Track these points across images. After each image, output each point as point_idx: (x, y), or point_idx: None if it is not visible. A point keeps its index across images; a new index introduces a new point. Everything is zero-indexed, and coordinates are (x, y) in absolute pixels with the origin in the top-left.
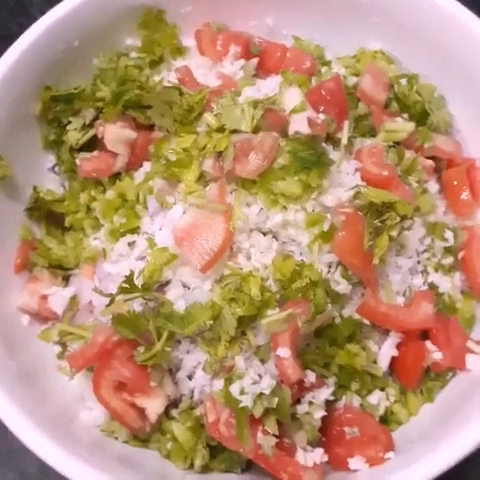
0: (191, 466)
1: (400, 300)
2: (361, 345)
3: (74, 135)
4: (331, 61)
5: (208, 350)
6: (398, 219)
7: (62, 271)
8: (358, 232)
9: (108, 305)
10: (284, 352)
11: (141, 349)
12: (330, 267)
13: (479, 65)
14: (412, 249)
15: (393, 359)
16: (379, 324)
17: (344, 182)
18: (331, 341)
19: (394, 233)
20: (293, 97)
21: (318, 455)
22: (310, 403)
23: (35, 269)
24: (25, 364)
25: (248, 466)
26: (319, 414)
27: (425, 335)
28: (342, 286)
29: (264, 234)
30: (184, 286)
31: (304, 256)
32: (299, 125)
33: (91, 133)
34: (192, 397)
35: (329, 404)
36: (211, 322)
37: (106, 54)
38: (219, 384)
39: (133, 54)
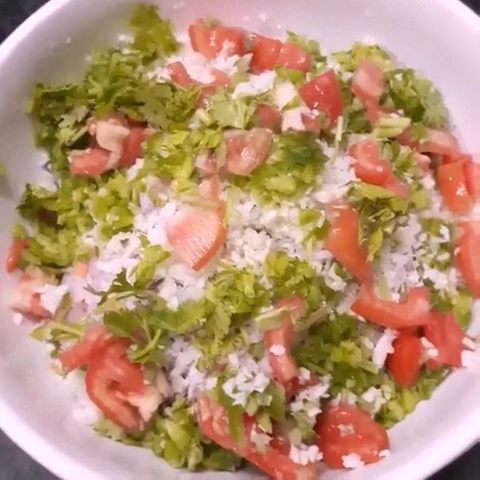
0: (185, 465)
1: (395, 297)
2: (356, 342)
3: (66, 132)
4: (326, 57)
5: (202, 348)
6: (393, 215)
7: (55, 269)
8: (352, 229)
9: (100, 303)
10: (278, 350)
11: (134, 347)
12: (324, 264)
13: (475, 59)
14: (407, 245)
15: (388, 356)
16: (374, 321)
17: (338, 178)
18: (326, 338)
19: (389, 229)
20: (286, 93)
21: (312, 453)
22: (304, 401)
23: (28, 267)
24: (17, 363)
25: (242, 464)
26: (314, 412)
27: (421, 332)
28: (336, 283)
29: (258, 231)
30: (177, 284)
31: (298, 253)
32: (292, 121)
33: (83, 130)
34: (186, 395)
35: (324, 402)
36: (204, 320)
37: (98, 51)
38: (212, 382)
39: (126, 51)
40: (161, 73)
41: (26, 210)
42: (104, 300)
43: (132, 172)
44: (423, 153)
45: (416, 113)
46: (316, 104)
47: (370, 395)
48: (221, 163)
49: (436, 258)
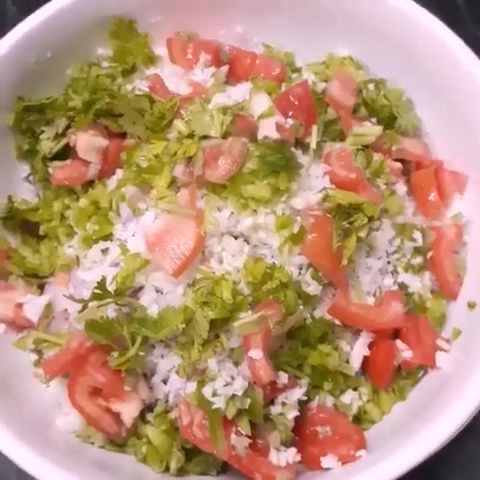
0: (167, 469)
1: (371, 300)
2: (333, 345)
3: (47, 144)
4: (301, 68)
5: (182, 354)
6: (366, 220)
7: (37, 279)
8: (327, 234)
9: (81, 311)
10: (256, 354)
11: (115, 354)
12: (301, 269)
13: (445, 68)
14: (381, 250)
15: (365, 358)
16: (350, 324)
17: (313, 185)
18: (303, 342)
19: (362, 234)
20: (261, 103)
21: (291, 455)
22: (283, 404)
23: (10, 278)
24: (1, 372)
25: (223, 469)
26: (292, 414)
27: (396, 334)
28: (313, 287)
29: (235, 238)
30: (157, 291)
31: (275, 259)
32: (268, 130)
33: (64, 142)
34: (167, 401)
35: (302, 404)
36: (184, 326)
37: (78, 64)
38: (192, 387)
39: (105, 64)
40: (140, 85)
41: (8, 221)
42: (85, 308)
43: (112, 182)
44: (396, 160)
45: (389, 121)
46: (291, 113)
47: (347, 397)
48: (198, 172)
49: (410, 262)
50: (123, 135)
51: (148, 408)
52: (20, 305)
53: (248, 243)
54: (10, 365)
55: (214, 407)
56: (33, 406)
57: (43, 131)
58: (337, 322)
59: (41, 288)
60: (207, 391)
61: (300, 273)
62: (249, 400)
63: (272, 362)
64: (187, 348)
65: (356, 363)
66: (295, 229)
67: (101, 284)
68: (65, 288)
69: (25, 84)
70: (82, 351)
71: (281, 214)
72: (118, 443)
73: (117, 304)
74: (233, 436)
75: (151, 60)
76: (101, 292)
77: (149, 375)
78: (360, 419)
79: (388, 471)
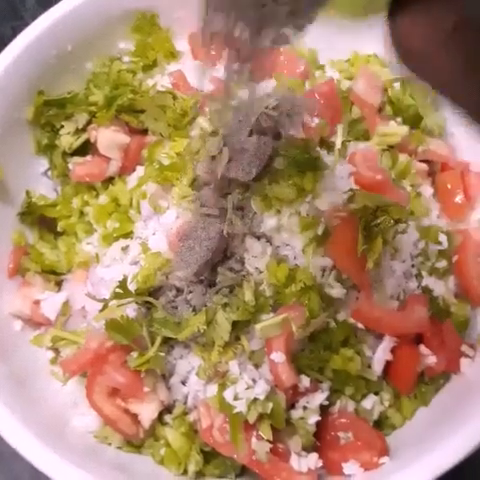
0: (185, 472)
1: (394, 304)
2: (355, 349)
3: (67, 139)
4: (324, 65)
5: (202, 355)
6: (392, 223)
7: (54, 276)
8: (352, 236)
9: (101, 310)
10: (278, 357)
11: (134, 354)
12: (324, 271)
13: None
14: (406, 253)
15: (387, 363)
16: (373, 328)
17: (338, 186)
18: (325, 346)
19: (388, 237)
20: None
21: (312, 460)
22: (304, 408)
23: (27, 274)
24: (17, 369)
25: (242, 472)
26: (313, 419)
27: (419, 339)
28: (336, 290)
29: (258, 238)
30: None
31: (298, 260)
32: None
33: (84, 137)
34: (186, 403)
35: (323, 409)
36: (205, 327)
37: (99, 58)
38: (213, 389)
39: (126, 58)
40: (161, 81)
41: (26, 217)
42: (105, 307)
43: (132, 179)
44: (421, 161)
45: (414, 121)
46: (316, 112)
47: (369, 402)
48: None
49: (434, 265)
50: (144, 132)
51: (166, 409)
52: (37, 302)
53: (271, 244)
54: (27, 362)
55: (235, 411)
56: (49, 405)
57: (63, 126)
58: (360, 326)
59: (58, 285)
60: (228, 394)
61: (323, 275)
62: (271, 404)
63: (293, 365)
64: (207, 349)
65: (378, 368)
66: (319, 230)
67: (122, 283)
68: (83, 285)
69: (45, 78)
70: (102, 351)
71: (305, 215)
72: (135, 444)
73: (137, 304)
74: (254, 440)
75: (173, 55)
76: (122, 291)
77: (167, 376)
78: (381, 424)
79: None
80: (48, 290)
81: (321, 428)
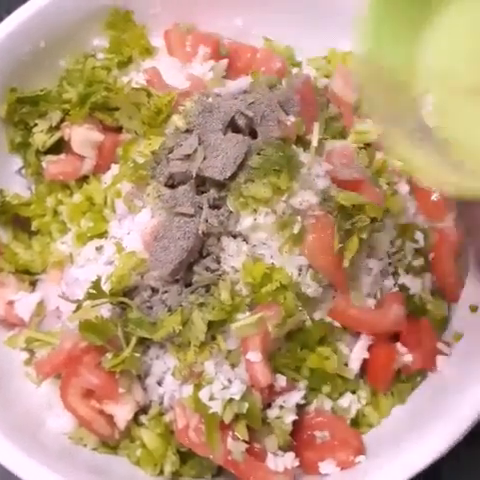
0: (161, 472)
1: (371, 302)
2: (332, 348)
3: (40, 137)
4: (301, 62)
5: (177, 355)
6: (368, 221)
7: (29, 276)
8: (328, 235)
9: (75, 311)
10: (254, 356)
11: (109, 355)
12: (300, 270)
13: None
14: (383, 251)
15: (364, 361)
16: (350, 327)
17: (314, 184)
18: (302, 344)
19: (364, 235)
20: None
21: (289, 459)
22: (281, 407)
23: (1, 274)
24: None
25: (218, 472)
26: (290, 418)
27: (396, 337)
28: (313, 289)
29: (234, 237)
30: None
31: (274, 259)
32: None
33: (58, 135)
34: (162, 403)
35: (300, 408)
36: (180, 327)
37: (73, 55)
38: (188, 390)
39: (100, 55)
40: (136, 77)
41: (0, 216)
42: (79, 308)
43: (107, 178)
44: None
45: None
46: (292, 109)
47: (346, 400)
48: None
49: (411, 263)
50: (119, 130)
51: (142, 410)
52: (11, 302)
53: (247, 243)
54: (1, 364)
55: (211, 411)
56: (23, 406)
57: (36, 124)
58: (337, 324)
59: (33, 285)
60: (204, 395)
61: (300, 274)
62: (247, 404)
63: (270, 364)
64: (183, 350)
65: (355, 366)
66: (295, 229)
67: (96, 284)
68: (57, 285)
69: (18, 75)
70: (76, 352)
71: (281, 214)
72: (111, 446)
73: (112, 304)
74: (230, 441)
75: (148, 52)
76: (96, 292)
77: (143, 376)
78: (358, 423)
79: (389, 479)
80: (22, 290)
81: (298, 427)
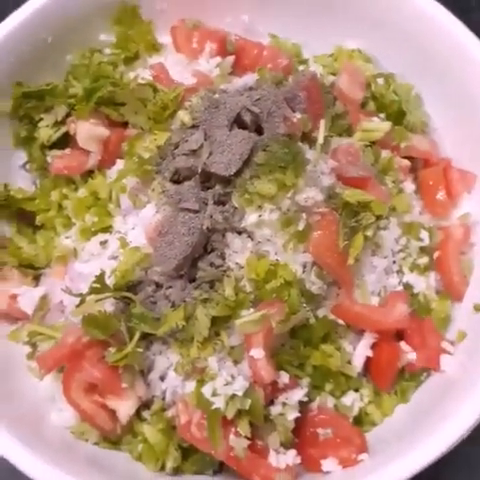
0: (162, 468)
1: (375, 300)
2: (336, 345)
3: (46, 132)
4: (308, 59)
5: (180, 351)
6: (373, 219)
7: (32, 270)
8: (333, 232)
9: (79, 305)
10: (258, 353)
11: (112, 350)
12: (305, 267)
13: (455, 64)
14: (387, 249)
15: (367, 359)
16: (354, 324)
17: (320, 181)
18: (306, 341)
19: (369, 233)
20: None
21: (291, 457)
22: (283, 404)
23: (5, 268)
24: None
25: (220, 468)
26: (292, 415)
27: (400, 335)
28: (317, 286)
29: (239, 233)
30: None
31: (279, 256)
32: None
33: (63, 130)
34: (164, 398)
35: (303, 405)
36: (184, 323)
37: (79, 50)
38: (191, 385)
39: (107, 50)
40: (143, 73)
41: (4, 210)
42: (82, 302)
43: (112, 173)
44: (404, 157)
45: (397, 117)
46: (299, 106)
47: (349, 398)
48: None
49: (416, 262)
50: (125, 125)
51: (144, 405)
52: (14, 296)
53: (252, 239)
54: (3, 358)
55: (214, 407)
56: (26, 400)
57: (42, 118)
58: (340, 322)
59: (36, 279)
60: (207, 390)
61: (304, 271)
62: (250, 401)
63: (273, 361)
64: (186, 345)
65: (358, 364)
66: (300, 226)
67: (100, 278)
68: (61, 280)
69: (24, 69)
70: (79, 346)
71: (286, 210)
72: (112, 440)
73: (115, 299)
74: (232, 437)
75: (154, 48)
76: (100, 286)
77: (146, 372)
78: (361, 421)
79: (391, 477)
80: (25, 284)
81: (300, 424)
